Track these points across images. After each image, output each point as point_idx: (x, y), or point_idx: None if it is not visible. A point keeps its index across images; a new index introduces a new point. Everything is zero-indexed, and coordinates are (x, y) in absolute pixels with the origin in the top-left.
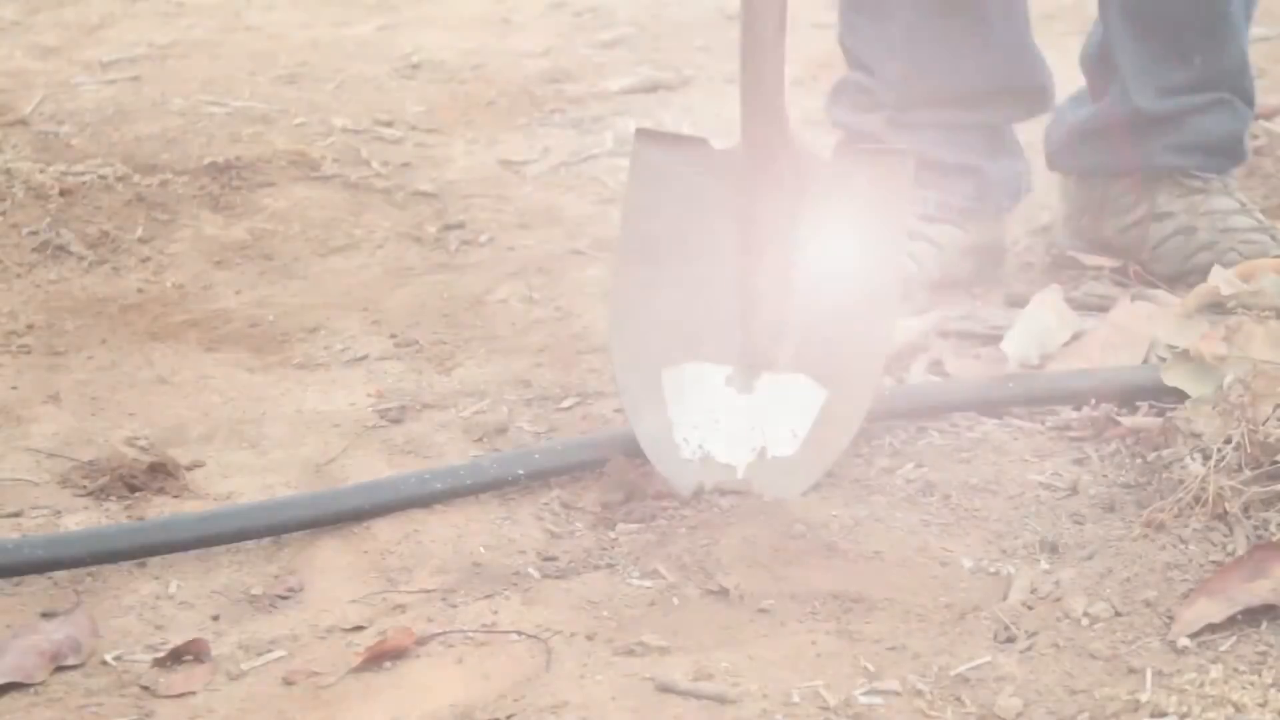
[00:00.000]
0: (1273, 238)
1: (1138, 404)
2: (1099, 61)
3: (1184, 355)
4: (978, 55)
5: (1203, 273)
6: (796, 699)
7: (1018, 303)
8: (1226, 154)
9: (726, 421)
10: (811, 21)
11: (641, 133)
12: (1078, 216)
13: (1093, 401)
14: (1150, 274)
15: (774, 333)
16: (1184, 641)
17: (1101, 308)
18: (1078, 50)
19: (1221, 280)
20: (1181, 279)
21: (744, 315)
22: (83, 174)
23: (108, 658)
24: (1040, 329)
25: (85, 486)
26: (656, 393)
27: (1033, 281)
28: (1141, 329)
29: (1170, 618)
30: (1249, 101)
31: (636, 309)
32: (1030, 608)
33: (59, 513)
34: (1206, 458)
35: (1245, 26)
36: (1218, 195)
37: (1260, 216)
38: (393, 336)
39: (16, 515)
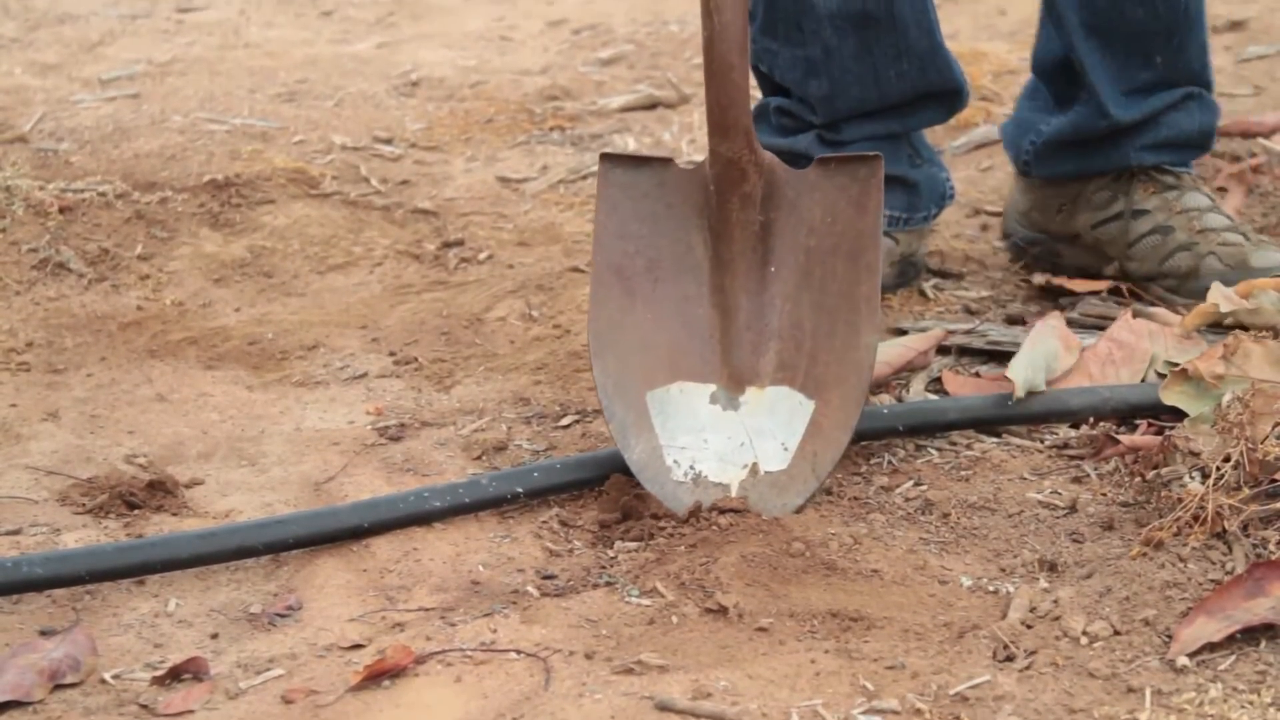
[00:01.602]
0: (1245, 236)
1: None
2: (1060, 72)
3: (1182, 374)
4: (896, 64)
5: (1178, 275)
6: (795, 717)
7: (1016, 320)
8: (1197, 147)
9: (715, 440)
10: None
11: (606, 157)
12: (1042, 211)
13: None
14: (1125, 272)
15: (755, 346)
16: (1183, 660)
17: (1098, 326)
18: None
19: (1220, 298)
20: (1157, 280)
21: (723, 331)
22: (82, 191)
23: (106, 676)
24: (1047, 353)
25: (84, 504)
26: (643, 416)
27: (1029, 298)
28: (1142, 345)
29: (1169, 637)
30: (1211, 89)
31: (615, 333)
32: (1029, 626)
33: (58, 530)
34: (1205, 476)
35: (1202, 18)
36: (1190, 191)
37: (1229, 213)
38: (392, 354)
39: (15, 533)
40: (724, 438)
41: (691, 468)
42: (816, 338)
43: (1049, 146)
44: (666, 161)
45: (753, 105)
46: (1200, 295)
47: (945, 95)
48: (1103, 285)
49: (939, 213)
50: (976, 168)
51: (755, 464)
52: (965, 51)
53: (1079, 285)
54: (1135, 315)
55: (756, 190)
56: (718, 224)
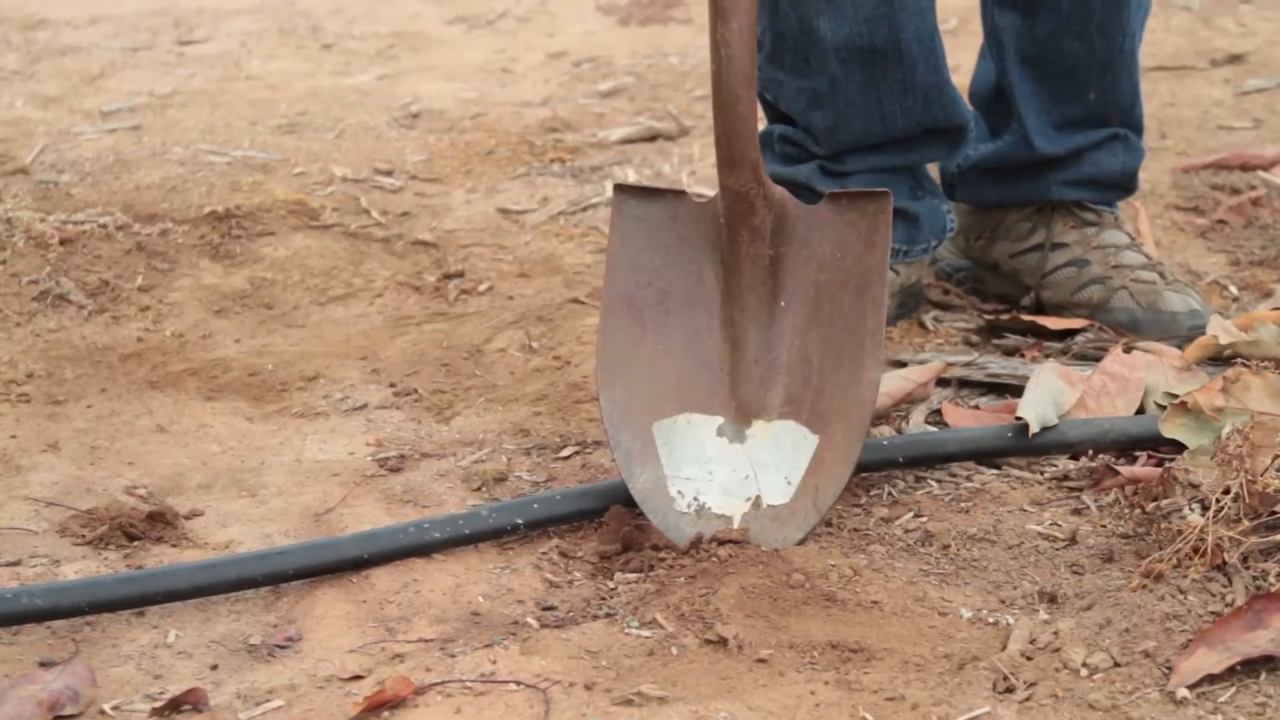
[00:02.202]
0: (1161, 275)
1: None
2: (994, 101)
3: (1182, 406)
4: (901, 99)
5: (1090, 306)
6: None
7: (1012, 351)
8: (1120, 187)
9: (720, 472)
10: None
11: (620, 188)
12: (968, 238)
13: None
14: (1038, 300)
15: (763, 380)
16: (1183, 693)
17: (1095, 358)
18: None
19: (1219, 330)
20: (1069, 309)
21: (732, 364)
22: (83, 223)
23: (106, 707)
24: (1055, 390)
25: (84, 535)
26: (649, 446)
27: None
28: (1135, 376)
29: (1169, 668)
30: (1138, 130)
31: (624, 363)
32: (1029, 658)
33: (58, 561)
34: (1205, 508)
35: (1136, 58)
36: (1110, 229)
37: (1149, 252)
38: (392, 385)
39: (15, 564)
40: (728, 470)
41: (695, 499)
42: (823, 372)
43: (975, 171)
44: (680, 194)
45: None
46: (1109, 324)
47: (950, 131)
48: (1078, 324)
49: (939, 244)
50: None
51: (758, 497)
52: (966, 85)
53: (1053, 323)
54: (1126, 350)
55: (766, 224)
56: (728, 257)
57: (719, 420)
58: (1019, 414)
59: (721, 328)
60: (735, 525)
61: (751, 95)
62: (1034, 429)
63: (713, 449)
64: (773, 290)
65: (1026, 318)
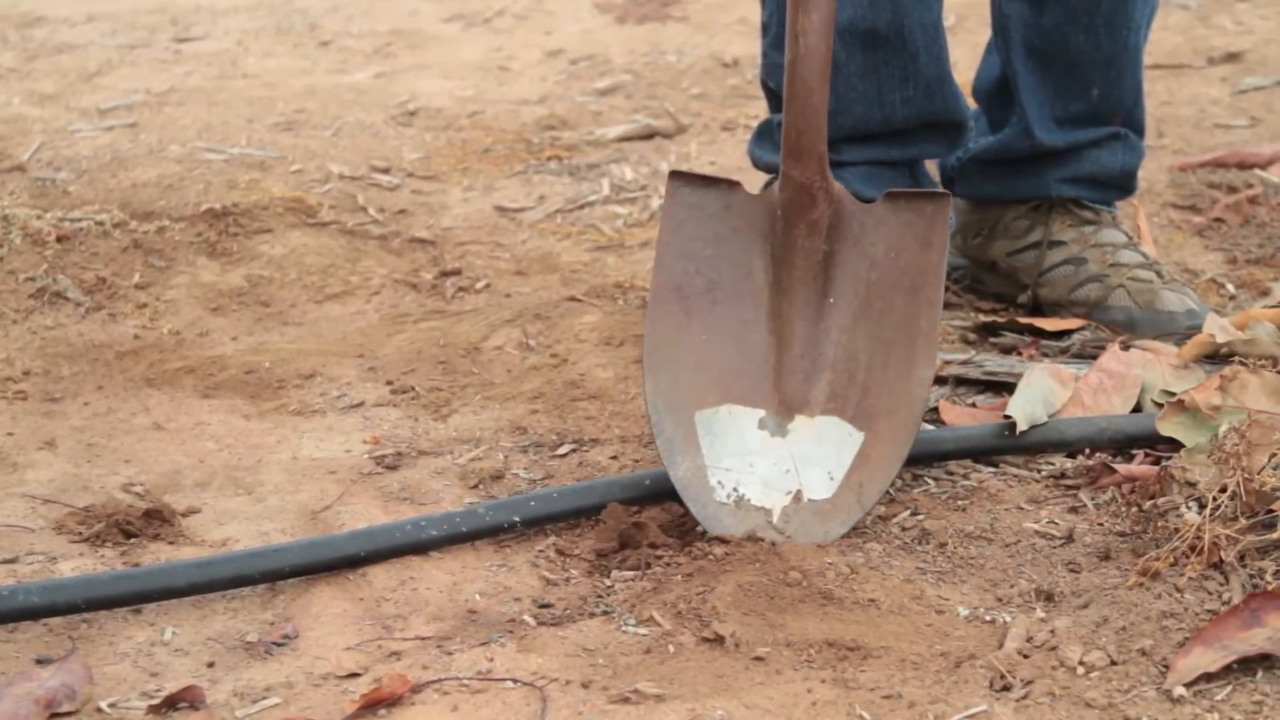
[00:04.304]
0: (1158, 274)
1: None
2: (997, 94)
3: (1179, 404)
4: (902, 89)
5: (1087, 304)
6: None
7: (1009, 349)
8: (1119, 187)
9: (761, 465)
10: None
11: (675, 174)
12: (966, 237)
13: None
14: (1035, 298)
15: (807, 375)
16: (1180, 691)
17: (1093, 356)
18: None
19: (1216, 329)
20: (1066, 307)
21: (777, 357)
22: (80, 220)
23: (103, 705)
24: (1045, 389)
25: (81, 533)
26: (690, 435)
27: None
28: (1132, 373)
29: (1166, 667)
30: (1140, 131)
31: (670, 351)
32: (1026, 656)
33: (54, 559)
34: (1202, 507)
35: (1140, 55)
36: (1108, 228)
37: (1147, 251)
38: (389, 383)
39: (12, 561)
40: (770, 463)
41: (735, 490)
42: (870, 370)
43: (974, 164)
44: (734, 184)
45: (759, 121)
46: (1105, 322)
47: (949, 126)
48: (1074, 324)
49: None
50: None
51: (799, 491)
52: (964, 82)
53: (1049, 324)
54: (1124, 347)
55: (824, 218)
56: (781, 250)
57: (761, 413)
58: (1007, 412)
59: (769, 320)
60: (775, 518)
61: (825, 88)
62: (1022, 427)
63: (754, 441)
64: (823, 286)
65: (1023, 319)
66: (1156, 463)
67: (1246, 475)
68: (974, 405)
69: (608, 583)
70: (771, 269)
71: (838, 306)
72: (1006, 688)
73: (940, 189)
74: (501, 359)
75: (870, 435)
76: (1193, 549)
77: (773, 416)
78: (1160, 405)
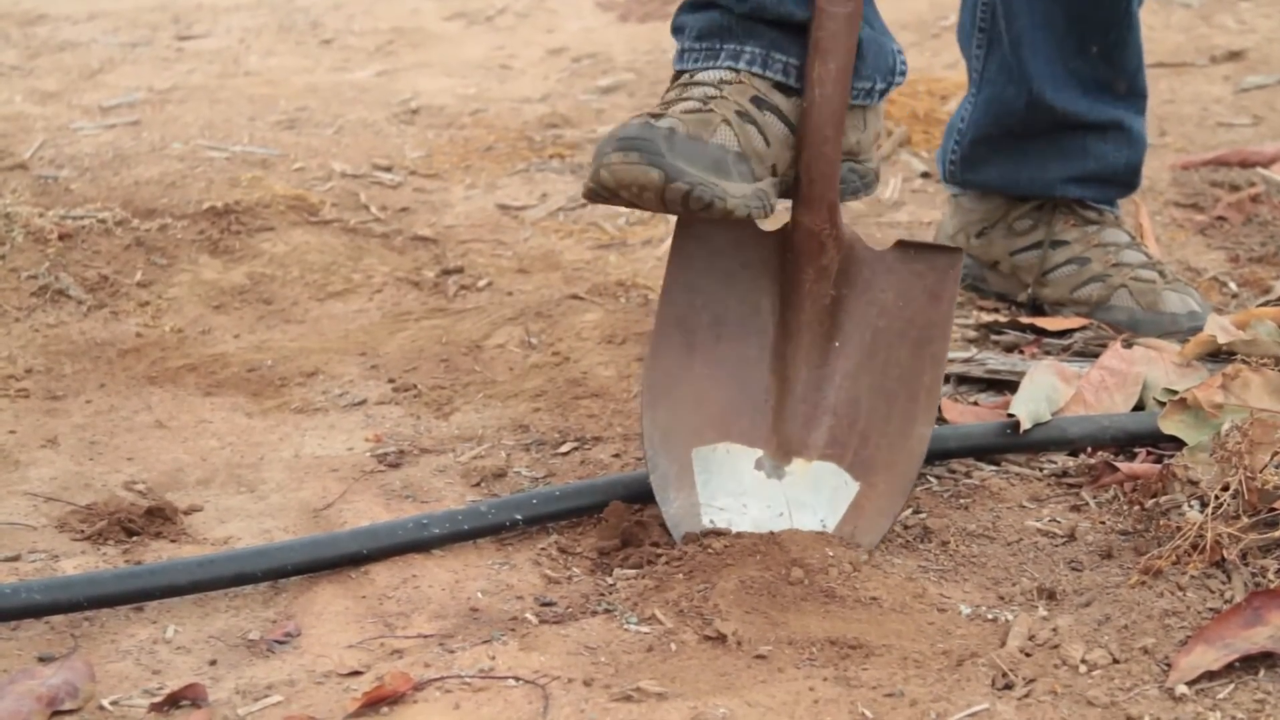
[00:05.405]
0: (1161, 274)
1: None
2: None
3: (1181, 403)
4: None
5: (1089, 304)
6: None
7: (1011, 347)
8: (1123, 184)
9: (754, 506)
10: None
11: None
12: (968, 235)
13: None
14: (1038, 298)
15: (808, 419)
16: (1182, 689)
17: (1095, 354)
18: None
19: (1217, 328)
20: (1068, 306)
21: (778, 399)
22: (82, 218)
23: (105, 703)
24: (1048, 387)
25: (83, 530)
26: (686, 471)
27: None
28: (1134, 371)
29: (1168, 665)
30: (1143, 97)
31: (670, 386)
32: (1028, 655)
33: (56, 557)
34: (1204, 505)
35: (1138, 24)
36: (1111, 227)
37: (1149, 251)
38: (391, 381)
39: (14, 559)
40: (763, 505)
41: (726, 529)
42: (871, 419)
43: (974, 146)
44: (746, 222)
45: None
46: (1108, 322)
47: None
48: (1076, 324)
49: (887, 90)
50: None
51: None
52: (966, 81)
53: (1051, 324)
54: (1126, 345)
55: (833, 264)
56: (789, 292)
57: (759, 453)
58: (1010, 411)
59: (772, 360)
60: None
61: (839, 137)
62: (1025, 425)
63: (749, 481)
64: (829, 330)
65: (1025, 320)
66: (1159, 461)
67: (1249, 473)
68: (976, 403)
69: (610, 581)
70: (778, 309)
71: (843, 351)
72: (1008, 686)
73: (952, 245)
74: (504, 357)
75: (866, 486)
76: (1195, 547)
77: (769, 458)
78: (1162, 403)
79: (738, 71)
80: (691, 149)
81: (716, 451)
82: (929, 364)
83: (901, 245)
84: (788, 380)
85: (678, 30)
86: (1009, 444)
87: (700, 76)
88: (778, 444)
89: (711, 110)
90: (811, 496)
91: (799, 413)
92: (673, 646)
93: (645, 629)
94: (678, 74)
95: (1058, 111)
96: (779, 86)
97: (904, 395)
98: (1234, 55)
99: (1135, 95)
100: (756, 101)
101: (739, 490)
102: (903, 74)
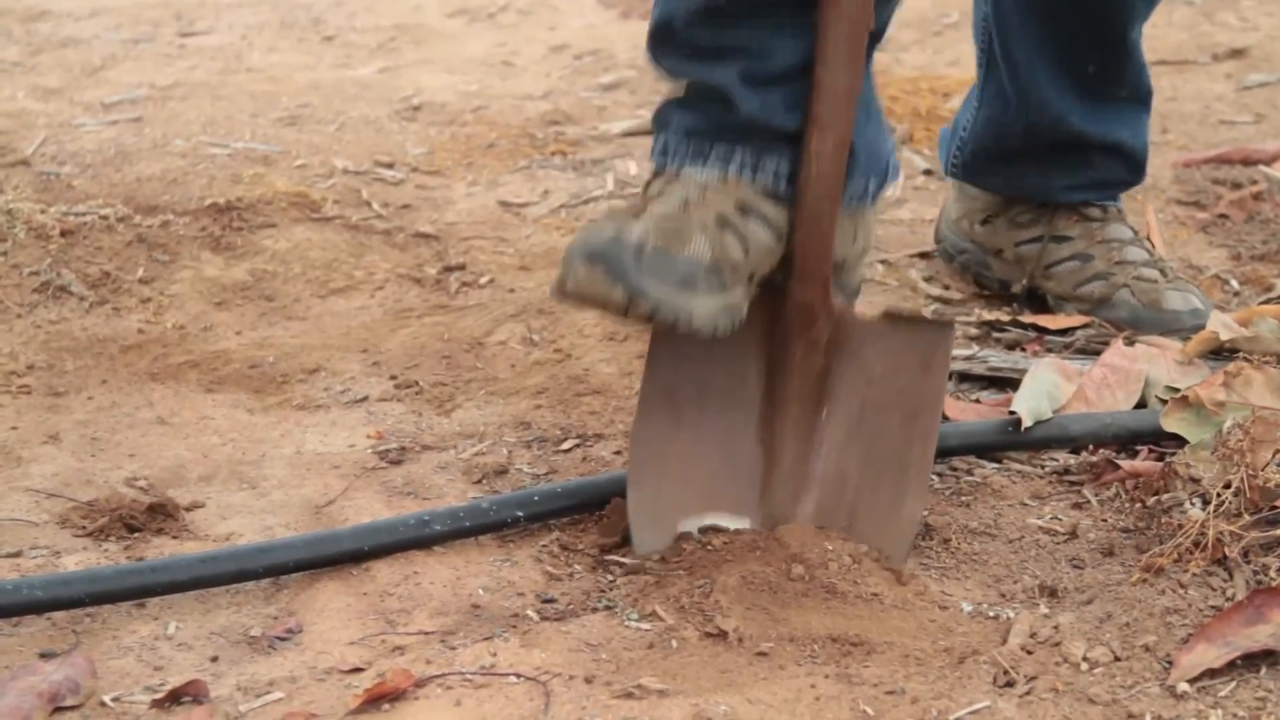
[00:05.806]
0: (1163, 272)
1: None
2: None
3: (1183, 400)
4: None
5: (1091, 301)
6: None
7: (1013, 345)
8: (1127, 183)
9: None
10: None
11: None
12: (971, 222)
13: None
14: (1039, 289)
15: (795, 492)
16: (1183, 687)
17: (1096, 352)
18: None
19: (1219, 325)
20: (1071, 301)
21: (766, 470)
22: (84, 214)
23: (106, 699)
24: (1049, 384)
25: (84, 527)
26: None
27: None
28: (1135, 368)
29: (1169, 663)
30: (1148, 95)
31: (656, 458)
32: (1029, 652)
33: (58, 553)
34: (1206, 503)
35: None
36: (1114, 223)
37: (1150, 247)
38: (393, 378)
39: (15, 555)
40: None
41: None
42: (860, 493)
43: (975, 157)
44: None
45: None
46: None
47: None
48: (1077, 322)
49: (879, 192)
50: None
51: None
52: (969, 78)
53: (1053, 322)
54: (1128, 342)
55: (823, 335)
56: (779, 363)
57: (745, 523)
58: (1012, 408)
59: (759, 431)
60: None
61: (835, 212)
62: (1027, 423)
63: None
64: (818, 401)
65: (1027, 318)
66: (1160, 459)
67: (1250, 471)
68: (978, 401)
69: (611, 578)
70: (766, 379)
71: (831, 421)
72: (1010, 684)
73: (947, 318)
74: (505, 354)
75: None
76: (1196, 545)
77: (756, 529)
78: (1164, 401)
79: (725, 177)
80: (659, 264)
81: (704, 522)
82: (919, 438)
83: (891, 317)
84: (776, 451)
85: (663, 125)
86: (1011, 441)
87: (685, 174)
88: (766, 516)
89: (689, 216)
90: None
91: (787, 485)
92: (674, 643)
93: (646, 626)
94: (662, 168)
95: (1059, 132)
96: (768, 193)
97: (893, 469)
98: (1236, 53)
99: (1139, 97)
100: (742, 208)
101: None
102: (895, 174)
